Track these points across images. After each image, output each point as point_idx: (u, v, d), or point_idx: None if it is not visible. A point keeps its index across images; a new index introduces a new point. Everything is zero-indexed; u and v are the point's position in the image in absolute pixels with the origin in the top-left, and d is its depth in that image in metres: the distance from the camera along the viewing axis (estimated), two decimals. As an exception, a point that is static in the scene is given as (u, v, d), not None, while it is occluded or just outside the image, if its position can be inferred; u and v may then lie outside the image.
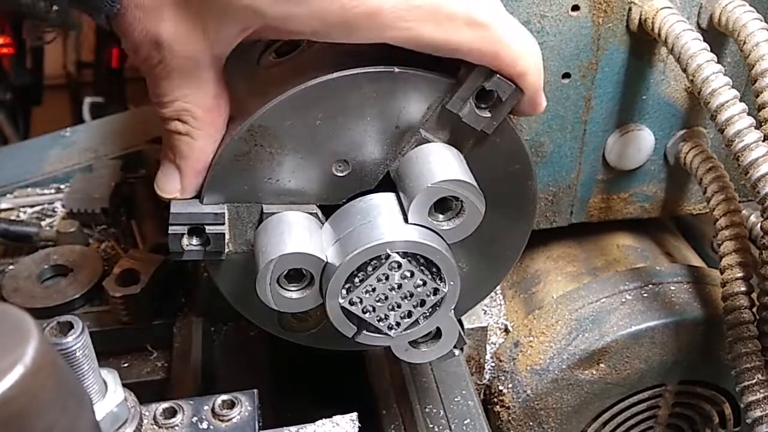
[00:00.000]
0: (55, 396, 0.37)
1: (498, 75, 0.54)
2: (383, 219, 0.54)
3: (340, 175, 0.57)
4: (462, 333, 0.61)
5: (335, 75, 0.53)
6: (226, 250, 0.58)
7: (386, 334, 0.57)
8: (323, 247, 0.55)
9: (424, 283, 0.54)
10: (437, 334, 0.61)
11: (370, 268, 0.53)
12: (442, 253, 0.54)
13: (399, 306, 0.55)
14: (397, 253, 0.53)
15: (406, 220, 0.54)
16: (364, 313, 0.55)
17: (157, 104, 0.56)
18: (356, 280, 0.54)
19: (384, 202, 0.56)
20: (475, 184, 0.54)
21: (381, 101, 0.54)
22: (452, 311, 0.59)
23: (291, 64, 0.58)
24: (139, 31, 0.53)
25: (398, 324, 0.56)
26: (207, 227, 0.56)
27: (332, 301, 0.55)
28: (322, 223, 0.58)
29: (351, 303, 0.55)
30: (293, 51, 0.59)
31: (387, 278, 0.54)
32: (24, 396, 0.35)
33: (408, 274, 0.54)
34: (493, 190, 0.59)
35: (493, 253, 0.63)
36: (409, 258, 0.54)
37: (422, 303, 0.55)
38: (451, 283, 0.55)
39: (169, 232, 0.56)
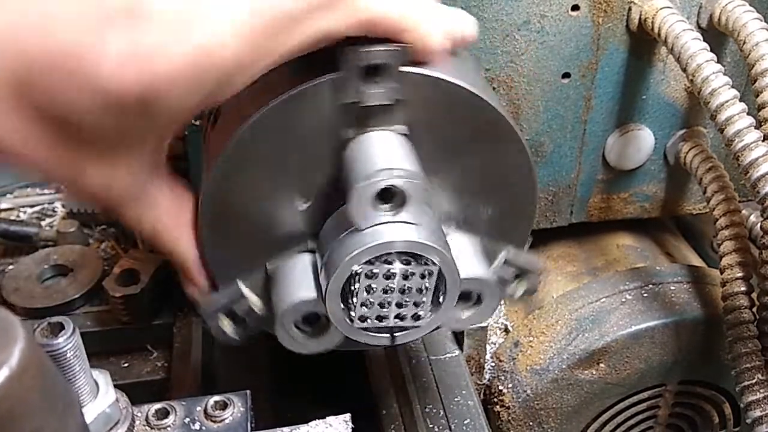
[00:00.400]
0: (42, 398, 0.37)
1: (364, 49, 0.51)
2: (345, 235, 0.53)
3: (305, 208, 0.57)
4: (528, 266, 0.60)
5: (235, 135, 0.53)
6: (263, 314, 0.58)
7: (416, 326, 0.56)
8: (319, 283, 0.55)
9: (413, 274, 0.54)
10: (477, 300, 0.59)
11: (356, 285, 0.53)
12: (413, 242, 0.52)
13: (407, 301, 0.55)
14: (376, 258, 0.52)
15: (358, 228, 0.52)
16: (380, 321, 0.55)
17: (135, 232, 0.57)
18: (352, 299, 0.54)
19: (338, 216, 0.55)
20: (406, 163, 0.52)
21: (293, 128, 0.54)
22: (488, 263, 0.58)
23: (215, 132, 0.58)
24: (74, 189, 0.52)
25: (419, 315, 0.56)
26: (235, 308, 0.57)
27: (343, 328, 0.55)
28: None
29: (362, 320, 0.55)
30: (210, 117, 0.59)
31: (374, 288, 0.53)
32: (10, 398, 0.35)
33: (391, 275, 0.53)
34: (456, 138, 0.57)
35: (508, 187, 0.60)
36: (388, 259, 0.53)
37: (426, 289, 0.55)
38: (437, 258, 0.53)
39: (210, 329, 0.57)
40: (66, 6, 0.44)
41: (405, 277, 0.54)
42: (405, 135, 0.55)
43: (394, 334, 0.57)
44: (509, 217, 0.62)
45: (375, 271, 0.52)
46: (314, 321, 0.56)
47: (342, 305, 0.54)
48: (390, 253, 0.53)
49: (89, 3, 0.44)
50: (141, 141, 0.51)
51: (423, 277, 0.54)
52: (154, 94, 0.46)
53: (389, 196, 0.52)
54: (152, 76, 0.45)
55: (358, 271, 0.52)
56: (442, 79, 0.55)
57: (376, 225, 0.52)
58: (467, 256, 0.57)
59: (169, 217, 0.56)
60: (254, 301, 0.58)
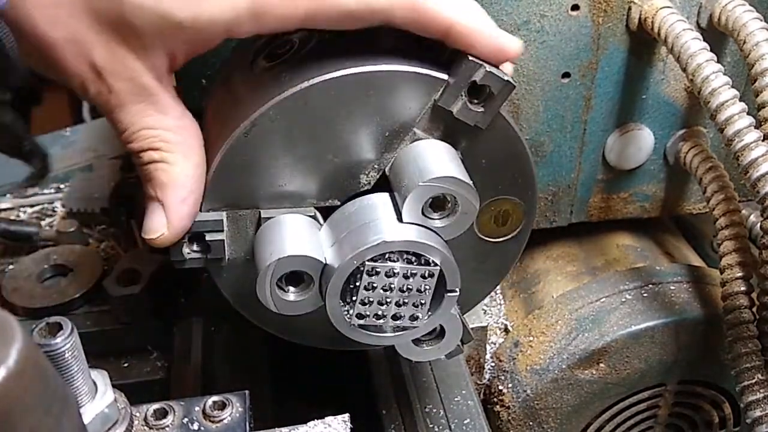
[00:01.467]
0: (39, 398, 0.37)
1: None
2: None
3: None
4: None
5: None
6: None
7: (414, 327, 0.57)
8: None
9: (414, 274, 0.54)
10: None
11: (356, 282, 0.53)
12: (439, 250, 0.54)
13: (406, 301, 0.55)
14: (380, 256, 0.53)
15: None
16: (378, 320, 0.56)
17: (125, 140, 0.54)
18: (352, 297, 0.54)
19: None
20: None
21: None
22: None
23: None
24: (76, 65, 0.52)
25: (417, 316, 0.56)
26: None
27: (332, 300, 0.55)
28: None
29: (359, 317, 0.55)
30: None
31: (375, 285, 0.54)
32: (7, 398, 0.35)
33: (393, 273, 0.54)
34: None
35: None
36: (391, 257, 0.53)
37: (426, 289, 0.55)
38: (439, 259, 0.55)
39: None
40: None
41: (406, 276, 0.54)
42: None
43: (391, 334, 0.57)
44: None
45: (378, 268, 0.53)
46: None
47: (341, 302, 0.54)
48: (393, 252, 0.53)
49: None
50: (157, 43, 0.51)
51: (424, 277, 0.54)
52: None
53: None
54: None
55: (361, 268, 0.52)
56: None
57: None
58: (421, 162, 0.57)
59: (173, 130, 0.54)
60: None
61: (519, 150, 0.59)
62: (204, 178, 0.55)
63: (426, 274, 0.54)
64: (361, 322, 0.55)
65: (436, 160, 0.55)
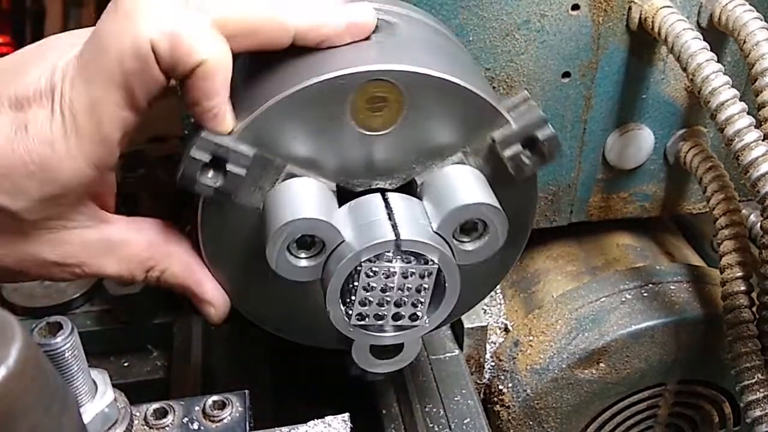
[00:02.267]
0: (39, 398, 0.37)
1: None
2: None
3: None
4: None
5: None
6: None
7: (414, 326, 0.56)
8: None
9: (412, 273, 0.54)
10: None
11: (355, 283, 0.53)
12: (438, 248, 0.54)
13: (405, 300, 0.55)
14: (377, 257, 0.53)
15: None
16: (379, 320, 0.56)
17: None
18: (351, 297, 0.54)
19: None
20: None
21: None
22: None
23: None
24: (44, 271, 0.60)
25: (417, 315, 0.56)
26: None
27: (340, 326, 0.55)
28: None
29: (360, 318, 0.55)
30: None
31: (373, 286, 0.54)
32: (7, 398, 0.35)
33: (391, 273, 0.53)
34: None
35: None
36: (388, 257, 0.53)
37: (424, 288, 0.55)
38: (437, 257, 0.55)
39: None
40: None
41: (404, 276, 0.54)
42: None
43: (393, 334, 0.57)
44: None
45: (375, 269, 0.53)
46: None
47: (341, 303, 0.54)
48: (390, 251, 0.53)
49: None
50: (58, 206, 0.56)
51: (422, 276, 0.54)
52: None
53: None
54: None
55: (359, 269, 0.52)
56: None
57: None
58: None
59: (153, 251, 0.61)
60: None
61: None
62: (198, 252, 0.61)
63: (423, 273, 0.54)
64: (362, 323, 0.55)
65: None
